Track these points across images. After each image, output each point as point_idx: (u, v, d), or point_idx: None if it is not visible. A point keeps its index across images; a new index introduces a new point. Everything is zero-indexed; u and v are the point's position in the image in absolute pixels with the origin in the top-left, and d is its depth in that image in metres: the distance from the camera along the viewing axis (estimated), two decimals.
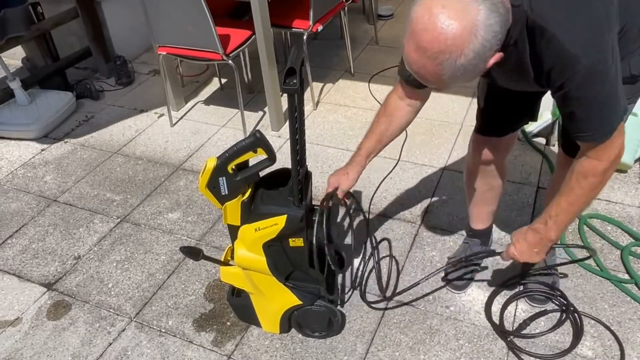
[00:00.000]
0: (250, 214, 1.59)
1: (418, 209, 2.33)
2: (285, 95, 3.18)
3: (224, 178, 1.52)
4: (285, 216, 1.52)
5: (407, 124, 1.60)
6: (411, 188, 2.45)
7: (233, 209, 1.59)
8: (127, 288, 2.07)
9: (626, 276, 1.94)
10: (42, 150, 2.96)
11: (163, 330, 1.90)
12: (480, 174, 1.83)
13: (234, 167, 1.52)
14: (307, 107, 3.12)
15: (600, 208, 2.23)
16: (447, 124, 2.88)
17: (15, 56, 3.65)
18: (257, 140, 1.48)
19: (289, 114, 1.41)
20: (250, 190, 1.58)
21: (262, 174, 1.61)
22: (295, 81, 1.31)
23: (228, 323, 1.90)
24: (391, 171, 2.56)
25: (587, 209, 2.21)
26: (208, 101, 3.30)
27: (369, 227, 2.23)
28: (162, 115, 3.18)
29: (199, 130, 3.01)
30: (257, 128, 2.97)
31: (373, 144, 1.61)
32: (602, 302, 1.85)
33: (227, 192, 1.55)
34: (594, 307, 1.84)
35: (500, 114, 1.69)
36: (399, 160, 2.65)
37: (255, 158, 1.52)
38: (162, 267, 2.15)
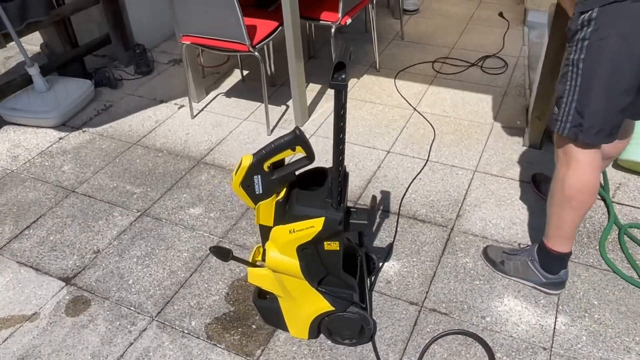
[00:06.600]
0: (284, 214, 1.51)
1: (449, 212, 2.24)
2: (310, 89, 3.12)
3: (259, 176, 1.45)
4: (323, 219, 1.44)
5: None
6: (441, 190, 2.36)
7: (267, 208, 1.51)
8: (148, 285, 2.00)
9: None
10: (60, 138, 2.89)
11: (186, 331, 1.82)
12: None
13: (269, 165, 1.45)
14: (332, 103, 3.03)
15: None
16: (477, 124, 2.78)
17: (32, 42, 3.59)
18: (296, 138, 1.40)
19: (334, 111, 1.33)
20: (285, 190, 1.50)
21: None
22: (343, 76, 1.23)
23: (253, 326, 1.83)
24: (420, 171, 2.50)
25: (627, 219, 2.12)
26: (229, 93, 3.22)
27: (397, 230, 2.16)
28: (182, 106, 3.10)
29: (220, 123, 2.93)
30: (280, 123, 2.89)
31: None
32: None
33: (261, 191, 1.48)
34: (637, 321, 1.75)
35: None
36: (427, 160, 2.58)
37: (290, 156, 1.44)
38: (184, 265, 2.08)
